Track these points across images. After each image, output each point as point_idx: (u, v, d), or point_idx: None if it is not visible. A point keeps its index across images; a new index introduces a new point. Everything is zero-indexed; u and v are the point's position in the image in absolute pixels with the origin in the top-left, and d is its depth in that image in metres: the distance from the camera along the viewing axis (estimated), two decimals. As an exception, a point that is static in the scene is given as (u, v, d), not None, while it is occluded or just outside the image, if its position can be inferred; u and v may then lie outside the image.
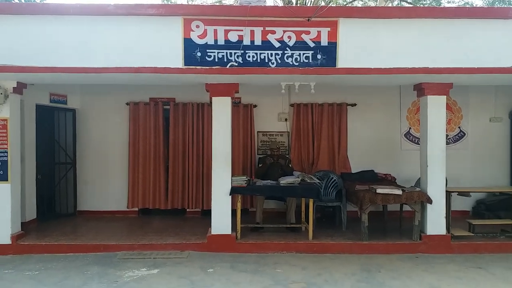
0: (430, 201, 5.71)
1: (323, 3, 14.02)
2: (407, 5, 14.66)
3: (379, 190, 5.70)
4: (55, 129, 7.45)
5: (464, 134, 7.80)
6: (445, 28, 5.61)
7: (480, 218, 7.06)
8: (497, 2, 12.82)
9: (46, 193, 7.34)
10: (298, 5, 12.93)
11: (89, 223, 7.06)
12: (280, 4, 14.29)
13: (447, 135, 7.63)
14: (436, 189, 5.78)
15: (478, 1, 14.06)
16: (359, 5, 14.27)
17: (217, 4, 14.90)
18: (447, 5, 14.11)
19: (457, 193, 6.27)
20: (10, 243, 5.71)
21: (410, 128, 7.73)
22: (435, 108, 5.85)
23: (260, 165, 7.00)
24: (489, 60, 5.52)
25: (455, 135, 7.80)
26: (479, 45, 5.59)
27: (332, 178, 6.80)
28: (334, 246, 5.73)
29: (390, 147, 7.75)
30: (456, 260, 5.42)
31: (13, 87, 5.68)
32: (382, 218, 7.21)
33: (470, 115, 7.81)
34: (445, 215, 5.77)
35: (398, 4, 15.00)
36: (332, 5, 11.54)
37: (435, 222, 5.75)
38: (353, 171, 7.59)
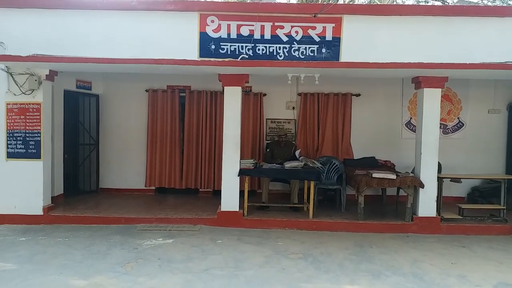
0: (422, 186, 6.19)
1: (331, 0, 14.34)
2: (411, 2, 14.91)
3: (375, 175, 6.21)
4: (79, 113, 8.09)
5: (463, 124, 8.18)
6: (442, 25, 6.04)
7: (473, 203, 7.51)
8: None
9: (72, 171, 8.05)
10: (305, 1, 13.33)
11: (110, 199, 7.73)
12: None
13: (446, 125, 8.13)
14: (428, 175, 6.24)
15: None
16: (363, 3, 14.55)
17: (231, 0, 15.29)
18: (449, 1, 14.25)
19: (449, 179, 6.73)
20: (42, 214, 6.39)
21: (411, 118, 8.14)
22: (431, 100, 6.28)
23: (267, 150, 7.54)
24: (483, 56, 5.93)
25: (454, 125, 8.19)
26: (474, 41, 6.01)
27: (334, 163, 7.32)
28: (332, 224, 6.28)
29: (391, 135, 8.20)
30: (444, 240, 5.92)
31: (46, 75, 6.29)
32: (381, 202, 7.74)
33: (469, 106, 8.17)
34: (435, 199, 6.25)
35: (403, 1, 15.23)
36: (338, 3, 11.94)
37: (426, 205, 6.24)
38: (356, 157, 8.07)
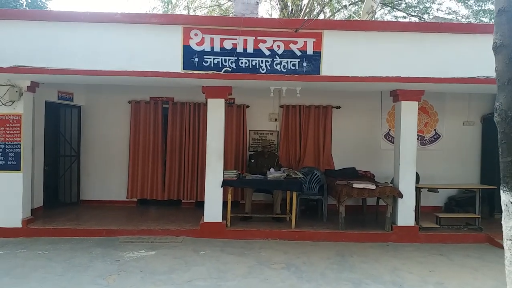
0: (400, 196, 6.36)
1: (316, 10, 14.75)
2: (400, 13, 15.45)
3: (355, 185, 6.36)
4: (61, 124, 8.02)
5: (439, 136, 8.46)
6: (418, 41, 6.24)
7: (450, 213, 7.73)
8: (481, 12, 13.53)
9: (52, 183, 7.93)
10: (287, 17, 13.67)
11: (91, 211, 7.64)
12: (277, 10, 15.02)
13: (423, 137, 8.38)
14: (406, 185, 6.42)
15: (464, 11, 14.79)
16: (342, 18, 15.03)
17: (216, 7, 15.54)
18: (435, 13, 14.82)
19: (427, 189, 6.93)
20: (21, 226, 6.29)
21: (389, 129, 8.37)
22: (408, 112, 6.48)
23: (252, 161, 7.62)
24: (458, 71, 6.14)
25: (431, 137, 8.46)
26: (449, 56, 6.23)
27: (316, 173, 7.44)
28: (314, 234, 6.37)
29: (371, 147, 8.40)
30: (422, 248, 6.08)
31: (27, 86, 6.26)
32: (361, 212, 7.88)
33: (445, 118, 8.46)
34: (414, 209, 6.42)
35: (390, 11, 15.76)
36: (318, 18, 12.29)
37: (405, 215, 6.40)
38: (337, 168, 8.22)
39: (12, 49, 5.87)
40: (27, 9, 13.96)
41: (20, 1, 14.36)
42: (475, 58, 6.26)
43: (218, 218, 6.39)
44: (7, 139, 6.26)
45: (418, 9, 15.05)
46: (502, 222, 2.77)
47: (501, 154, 2.73)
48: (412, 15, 14.98)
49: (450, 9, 15.38)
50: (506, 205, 2.70)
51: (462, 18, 14.51)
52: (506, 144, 2.69)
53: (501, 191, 2.73)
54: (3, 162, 6.25)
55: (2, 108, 6.21)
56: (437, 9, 15.29)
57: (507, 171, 2.71)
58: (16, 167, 6.29)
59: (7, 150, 6.26)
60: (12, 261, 5.15)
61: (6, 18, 5.97)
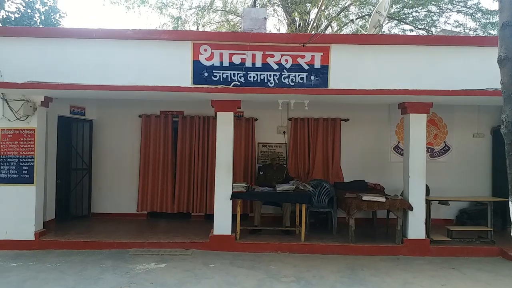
0: (411, 208, 6.32)
1: (324, 24, 14.91)
2: (407, 26, 15.54)
3: (364, 198, 6.34)
4: (73, 138, 8.15)
5: (449, 148, 8.42)
6: (426, 54, 6.32)
7: (462, 225, 7.64)
8: (489, 25, 13.54)
9: (64, 196, 8.04)
10: (295, 31, 13.85)
11: (102, 224, 7.72)
12: (285, 25, 15.24)
13: (433, 149, 8.35)
14: (417, 198, 6.38)
15: (471, 24, 14.83)
16: (349, 32, 15.15)
17: (224, 22, 15.81)
18: (443, 26, 14.86)
19: (437, 201, 6.88)
20: (34, 239, 6.36)
21: (398, 142, 8.36)
22: (417, 124, 6.48)
23: (260, 173, 7.66)
24: (465, 83, 6.17)
25: (441, 149, 8.42)
26: (456, 69, 6.28)
27: (325, 186, 7.44)
28: (324, 247, 6.35)
29: (380, 159, 8.38)
30: (434, 262, 6.01)
31: (41, 101, 6.40)
32: (371, 225, 7.84)
33: (454, 131, 8.43)
34: (424, 221, 6.37)
35: (397, 24, 15.85)
36: (326, 33, 12.45)
37: (416, 228, 6.35)
38: (346, 180, 8.21)
39: (27, 65, 6.06)
40: (41, 26, 14.34)
41: (34, 19, 14.77)
42: (483, 71, 6.27)
43: (228, 231, 6.41)
44: (21, 152, 6.39)
45: (425, 22, 15.10)
46: (512, 234, 2.76)
47: (509, 166, 2.74)
48: (420, 28, 15.03)
49: (457, 22, 15.47)
50: (515, 216, 2.70)
51: (470, 31, 14.54)
52: (513, 156, 2.70)
53: (510, 203, 2.73)
54: (17, 175, 6.37)
55: (16, 122, 6.36)
56: (444, 22, 15.36)
57: (515, 183, 2.72)
58: (30, 181, 6.40)
59: (21, 164, 6.39)
60: (24, 274, 5.21)
61: (21, 36, 6.19)
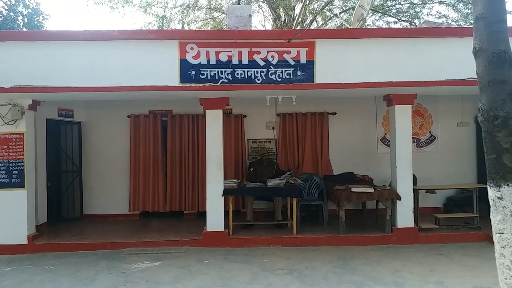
0: (399, 198, 6.47)
1: (309, 19, 15.01)
2: (391, 19, 15.71)
3: (353, 189, 6.47)
4: (62, 141, 8.14)
5: (435, 138, 8.59)
6: (409, 46, 6.44)
7: (449, 213, 7.82)
8: (470, 16, 13.76)
9: (55, 199, 8.03)
10: (280, 28, 13.92)
11: (94, 225, 7.73)
12: (270, 21, 15.30)
13: (419, 139, 8.51)
14: (404, 187, 6.53)
15: (453, 14, 15.02)
16: (334, 27, 15.28)
17: (210, 20, 15.81)
18: (426, 17, 15.07)
19: (425, 190, 7.04)
20: (27, 243, 6.36)
21: (385, 133, 8.50)
22: (402, 116, 6.61)
23: (251, 169, 7.74)
24: (448, 74, 6.30)
25: (427, 139, 8.59)
26: (439, 60, 6.41)
27: (315, 179, 7.56)
28: (315, 239, 6.47)
29: (368, 151, 8.52)
30: (422, 249, 6.17)
31: (29, 105, 6.39)
32: (361, 216, 7.98)
33: (439, 120, 8.60)
34: (412, 210, 6.52)
35: (381, 17, 16.02)
36: (311, 28, 12.54)
37: (404, 217, 6.50)
38: (335, 173, 8.33)
39: (13, 69, 6.04)
40: (25, 29, 14.20)
41: (18, 22, 14.60)
42: (465, 61, 6.29)
43: (221, 227, 6.48)
44: (10, 157, 6.38)
45: (408, 14, 15.30)
46: (490, 217, 2.89)
47: (486, 152, 2.86)
48: (403, 20, 15.22)
49: (440, 13, 15.61)
50: (493, 200, 2.82)
51: (452, 21, 14.76)
52: (490, 142, 2.82)
53: (488, 187, 2.85)
54: (7, 180, 6.37)
55: (4, 127, 6.34)
56: (427, 14, 15.57)
57: (492, 168, 2.84)
58: (20, 185, 6.39)
59: (10, 168, 6.37)
60: (19, 277, 5.23)
61: (6, 40, 6.16)
